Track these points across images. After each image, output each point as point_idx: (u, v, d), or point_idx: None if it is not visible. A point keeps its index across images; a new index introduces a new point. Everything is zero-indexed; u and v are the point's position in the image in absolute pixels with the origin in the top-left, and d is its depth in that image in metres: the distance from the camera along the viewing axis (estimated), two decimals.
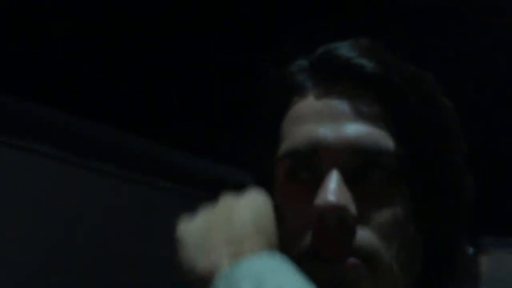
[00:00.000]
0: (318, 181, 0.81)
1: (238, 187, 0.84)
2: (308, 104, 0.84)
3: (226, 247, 0.73)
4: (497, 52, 2.89)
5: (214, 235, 0.76)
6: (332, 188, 0.78)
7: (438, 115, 0.85)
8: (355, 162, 0.81)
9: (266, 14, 2.58)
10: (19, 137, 2.77)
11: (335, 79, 0.83)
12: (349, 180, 0.81)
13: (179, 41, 2.79)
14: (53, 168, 2.84)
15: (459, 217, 0.88)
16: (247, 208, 0.79)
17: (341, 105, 0.81)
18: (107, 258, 2.89)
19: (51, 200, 2.78)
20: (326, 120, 0.81)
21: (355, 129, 0.80)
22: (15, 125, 2.76)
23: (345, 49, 0.84)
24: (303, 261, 0.79)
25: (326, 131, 0.81)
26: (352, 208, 0.79)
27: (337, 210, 0.78)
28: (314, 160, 0.82)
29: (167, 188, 3.12)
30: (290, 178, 0.85)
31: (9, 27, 2.60)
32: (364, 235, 0.81)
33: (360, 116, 0.80)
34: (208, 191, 3.06)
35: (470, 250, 4.37)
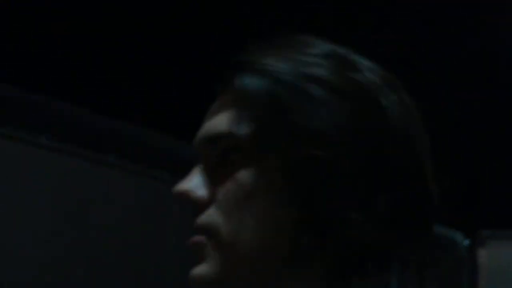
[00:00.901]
0: None
1: None
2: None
3: None
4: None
5: None
6: (185, 178, 0.92)
7: (285, 98, 0.89)
8: (209, 150, 0.92)
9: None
10: (25, 130, 2.79)
11: (225, 82, 0.95)
12: (208, 166, 0.92)
13: (176, 38, 2.81)
14: (58, 160, 2.85)
15: (330, 182, 0.86)
16: None
17: (213, 107, 0.94)
18: (115, 252, 2.91)
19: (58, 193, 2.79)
20: (204, 121, 0.95)
21: (207, 124, 0.93)
22: (22, 118, 2.77)
23: (251, 53, 0.94)
24: None
25: (199, 131, 0.95)
26: (199, 191, 0.91)
27: (180, 195, 0.91)
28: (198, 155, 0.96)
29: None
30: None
31: (9, 19, 2.61)
32: (208, 214, 0.90)
33: (216, 112, 0.92)
34: None
35: (467, 242, 4.52)
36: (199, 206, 0.91)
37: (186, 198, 0.91)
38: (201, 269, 0.90)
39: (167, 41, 2.85)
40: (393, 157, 0.89)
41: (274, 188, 0.87)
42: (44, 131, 2.85)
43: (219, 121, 0.91)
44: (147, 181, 3.09)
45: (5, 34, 2.71)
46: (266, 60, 0.91)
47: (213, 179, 0.91)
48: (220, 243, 0.89)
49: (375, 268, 0.90)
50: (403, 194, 0.89)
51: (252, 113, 0.89)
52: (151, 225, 3.07)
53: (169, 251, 3.09)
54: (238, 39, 0.97)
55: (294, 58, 0.91)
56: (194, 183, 0.91)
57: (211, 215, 0.90)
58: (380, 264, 0.90)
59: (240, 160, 0.89)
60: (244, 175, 0.88)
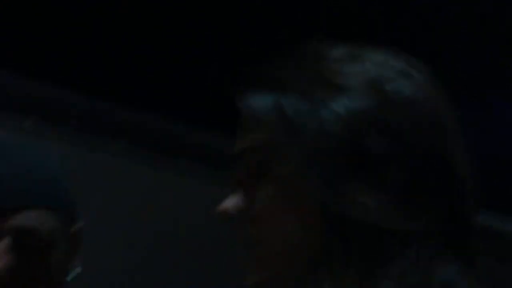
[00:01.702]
0: None
1: None
2: None
3: None
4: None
5: None
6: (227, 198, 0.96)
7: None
8: (240, 164, 0.96)
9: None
10: (99, 137, 2.86)
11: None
12: (242, 180, 0.96)
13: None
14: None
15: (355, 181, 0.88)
16: None
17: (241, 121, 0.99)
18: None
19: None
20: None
21: (240, 141, 0.97)
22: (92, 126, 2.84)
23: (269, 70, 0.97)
24: None
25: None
26: (235, 208, 0.95)
27: (220, 215, 0.96)
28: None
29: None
30: None
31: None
32: (245, 228, 0.94)
33: (241, 127, 0.97)
34: None
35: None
36: (237, 221, 0.95)
37: (224, 216, 0.95)
38: (253, 280, 0.94)
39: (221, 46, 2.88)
40: (418, 143, 0.89)
41: (296, 193, 0.91)
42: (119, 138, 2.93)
43: (240, 140, 0.96)
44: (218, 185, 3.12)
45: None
46: (277, 74, 0.95)
47: (246, 194, 0.95)
48: (263, 253, 0.93)
49: (406, 262, 0.87)
50: (420, 175, 0.89)
51: (265, 128, 0.93)
52: (223, 229, 3.10)
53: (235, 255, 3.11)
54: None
55: (303, 68, 0.94)
56: (231, 201, 0.95)
57: (250, 229, 0.93)
58: (415, 257, 0.87)
59: (263, 172, 0.93)
60: (268, 187, 0.92)
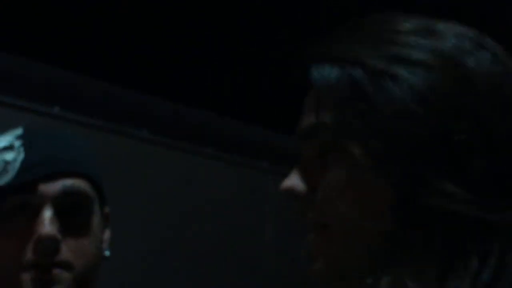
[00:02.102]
0: None
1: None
2: None
3: None
4: None
5: None
6: (287, 177, 0.94)
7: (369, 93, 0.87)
8: (306, 144, 0.93)
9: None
10: (126, 124, 2.88)
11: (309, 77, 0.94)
12: (306, 160, 0.93)
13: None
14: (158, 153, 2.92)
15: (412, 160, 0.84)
16: None
17: (308, 99, 0.95)
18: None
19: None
20: (302, 115, 0.95)
21: (304, 119, 0.93)
22: (117, 112, 2.87)
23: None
24: None
25: (299, 125, 0.95)
26: (300, 186, 0.92)
27: (284, 194, 0.93)
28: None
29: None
30: None
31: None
32: (314, 209, 0.90)
33: (310, 105, 0.93)
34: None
35: None
36: (302, 201, 0.91)
37: (290, 194, 0.91)
38: (319, 266, 0.91)
39: (260, 40, 2.88)
40: (500, 127, 0.85)
41: (368, 176, 0.86)
42: (144, 126, 2.95)
43: (308, 117, 0.92)
44: (245, 171, 3.14)
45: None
46: (347, 47, 0.91)
47: (313, 173, 0.91)
48: (331, 237, 0.89)
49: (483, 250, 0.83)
50: (505, 162, 0.85)
51: (335, 104, 0.88)
52: (249, 215, 3.13)
53: (267, 240, 3.15)
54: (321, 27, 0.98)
55: (375, 41, 0.90)
56: (294, 179, 0.92)
57: (317, 211, 0.90)
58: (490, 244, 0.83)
59: (332, 152, 0.89)
60: (338, 167, 0.88)
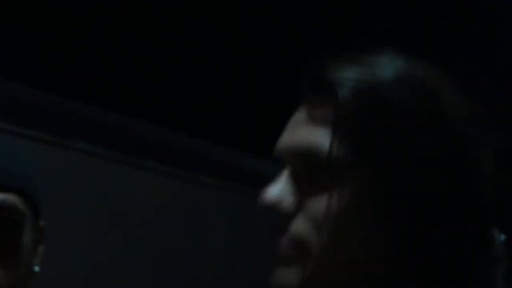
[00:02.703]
0: None
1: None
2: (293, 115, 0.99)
3: None
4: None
5: None
6: (272, 185, 0.93)
7: (387, 121, 0.89)
8: (299, 160, 0.92)
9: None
10: (63, 136, 2.85)
11: (309, 93, 0.96)
12: (297, 176, 0.93)
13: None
14: (93, 164, 2.90)
15: (426, 210, 0.88)
16: None
17: (301, 116, 0.95)
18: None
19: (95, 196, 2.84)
20: (288, 130, 0.96)
21: (299, 135, 0.93)
22: (57, 124, 2.83)
23: (321, 65, 0.95)
24: None
25: (284, 138, 0.96)
26: (287, 200, 0.91)
27: (269, 204, 0.91)
28: (281, 162, 0.96)
29: (208, 183, 3.18)
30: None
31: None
32: (297, 224, 0.90)
33: (307, 123, 0.93)
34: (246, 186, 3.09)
35: (503, 238, 4.13)
36: (285, 215, 0.91)
37: (275, 205, 0.91)
38: (287, 277, 0.90)
39: (238, 57, 2.89)
40: (467, 173, 0.90)
41: (367, 208, 0.88)
42: (82, 137, 2.92)
43: (312, 135, 0.92)
44: (186, 184, 3.13)
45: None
46: (358, 76, 0.92)
47: (301, 190, 0.92)
48: (310, 256, 0.89)
49: (456, 277, 0.90)
50: (476, 204, 0.90)
51: (350, 133, 0.89)
52: (190, 227, 3.12)
53: (207, 252, 3.13)
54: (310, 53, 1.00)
55: (376, 79, 0.91)
56: (282, 191, 0.92)
57: (301, 228, 0.90)
58: (461, 272, 0.90)
59: (333, 177, 0.89)
60: (339, 193, 0.88)
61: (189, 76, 2.93)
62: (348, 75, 0.92)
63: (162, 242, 2.99)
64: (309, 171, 0.91)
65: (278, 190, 0.92)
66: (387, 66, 0.93)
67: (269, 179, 0.96)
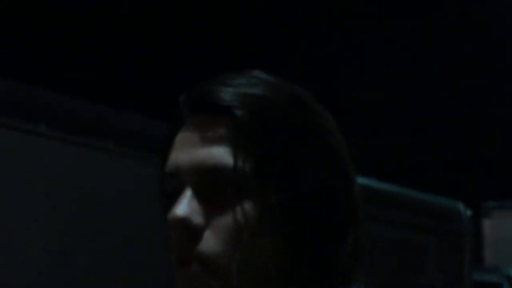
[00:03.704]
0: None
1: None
2: (180, 134, 0.99)
3: None
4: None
5: None
6: (180, 203, 0.92)
7: (288, 134, 0.94)
8: (205, 179, 0.94)
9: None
10: (20, 119, 2.77)
11: (196, 111, 0.98)
12: (201, 194, 0.93)
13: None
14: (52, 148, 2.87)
15: (321, 222, 0.94)
16: None
17: (196, 134, 0.96)
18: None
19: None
20: (184, 148, 0.96)
21: (202, 153, 0.94)
22: (15, 108, 2.73)
23: (208, 83, 0.98)
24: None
25: (182, 157, 0.96)
26: (196, 218, 0.92)
27: (180, 221, 0.91)
28: (177, 180, 0.96)
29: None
30: (165, 196, 0.99)
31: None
32: (207, 241, 0.91)
33: (208, 141, 0.95)
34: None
35: (470, 213, 4.36)
36: (193, 232, 0.92)
37: (184, 224, 0.91)
38: None
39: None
40: (350, 194, 0.98)
41: (274, 223, 0.92)
42: (43, 121, 2.83)
43: (217, 153, 0.93)
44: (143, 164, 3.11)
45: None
46: (251, 96, 0.95)
47: (208, 207, 0.93)
48: (218, 273, 0.91)
49: None
50: (357, 226, 0.98)
51: (253, 150, 0.92)
52: (151, 211, 3.04)
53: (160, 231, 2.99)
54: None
55: (273, 97, 0.96)
56: (190, 209, 0.92)
57: (209, 245, 0.91)
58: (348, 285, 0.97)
59: (241, 193, 0.92)
60: (246, 209, 0.91)
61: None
62: (241, 96, 0.95)
63: (125, 225, 2.92)
64: (214, 188, 0.93)
65: (186, 208, 0.91)
66: (269, 85, 0.97)
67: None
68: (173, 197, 0.95)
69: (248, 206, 0.92)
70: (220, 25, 3.07)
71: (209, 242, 0.91)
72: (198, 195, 0.93)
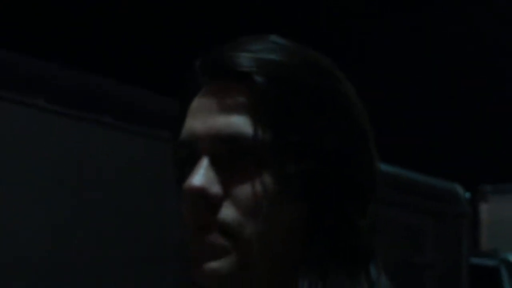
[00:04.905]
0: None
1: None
2: (195, 102, 0.97)
3: None
4: None
5: None
6: (197, 173, 0.90)
7: (308, 102, 0.92)
8: (222, 148, 0.91)
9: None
10: (16, 91, 2.77)
11: (213, 77, 0.95)
12: (218, 163, 0.91)
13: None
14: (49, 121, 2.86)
15: (342, 192, 0.92)
16: None
17: (213, 101, 0.93)
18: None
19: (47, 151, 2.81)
20: (201, 116, 0.94)
21: (220, 121, 0.92)
22: (13, 81, 2.69)
23: (225, 49, 0.96)
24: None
25: (198, 125, 0.93)
26: (214, 188, 0.90)
27: (198, 191, 0.89)
28: (193, 149, 0.94)
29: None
30: (180, 164, 0.99)
31: None
32: (227, 212, 0.90)
33: (226, 109, 0.92)
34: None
35: (468, 195, 4.39)
36: (211, 202, 0.90)
37: (201, 194, 0.89)
38: (220, 270, 0.89)
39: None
40: (371, 163, 0.97)
41: (294, 194, 0.91)
42: (42, 93, 2.82)
43: (236, 122, 0.91)
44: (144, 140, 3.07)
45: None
46: (272, 62, 0.93)
47: (226, 177, 0.91)
48: (240, 242, 0.89)
49: (362, 267, 0.95)
50: (376, 198, 0.97)
51: (273, 119, 0.90)
52: (149, 185, 3.04)
53: (168, 212, 3.00)
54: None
55: (293, 64, 0.93)
56: (207, 178, 0.90)
57: (230, 214, 0.90)
58: (367, 263, 0.95)
59: (259, 163, 0.90)
60: (265, 179, 0.90)
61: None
62: (260, 62, 0.93)
63: (124, 200, 2.92)
64: (232, 158, 0.91)
65: (203, 178, 0.90)
66: (288, 51, 0.95)
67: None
68: (188, 166, 0.94)
69: (267, 176, 0.90)
70: (220, 25, 3.05)
71: (229, 211, 0.90)
72: (215, 164, 0.92)
